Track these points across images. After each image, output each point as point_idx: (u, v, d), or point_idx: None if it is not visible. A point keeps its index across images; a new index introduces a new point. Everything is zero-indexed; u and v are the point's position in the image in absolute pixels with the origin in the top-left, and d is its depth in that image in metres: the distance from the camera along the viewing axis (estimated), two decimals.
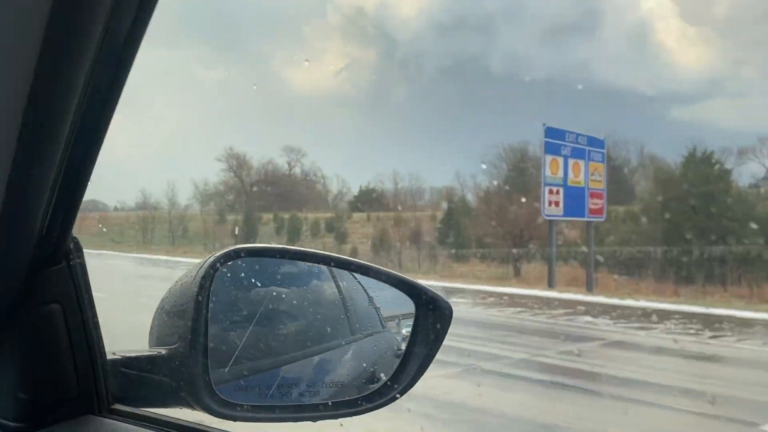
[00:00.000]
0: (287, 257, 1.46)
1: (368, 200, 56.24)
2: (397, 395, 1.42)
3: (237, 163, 58.81)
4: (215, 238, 48.67)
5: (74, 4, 0.79)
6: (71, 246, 1.17)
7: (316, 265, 1.55)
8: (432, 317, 1.46)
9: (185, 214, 55.61)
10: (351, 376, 1.51)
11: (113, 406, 1.24)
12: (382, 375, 1.50)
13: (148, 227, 53.90)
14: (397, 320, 1.58)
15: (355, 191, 59.46)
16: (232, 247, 1.36)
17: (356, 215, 53.45)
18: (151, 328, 1.37)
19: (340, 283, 1.59)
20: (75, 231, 1.14)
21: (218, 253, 1.34)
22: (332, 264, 1.52)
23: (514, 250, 37.41)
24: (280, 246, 1.43)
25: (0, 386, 1.18)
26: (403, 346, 1.54)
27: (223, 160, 57.69)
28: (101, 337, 1.24)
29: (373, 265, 1.54)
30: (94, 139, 1.00)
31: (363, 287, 1.61)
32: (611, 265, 33.22)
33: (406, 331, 1.57)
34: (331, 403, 1.40)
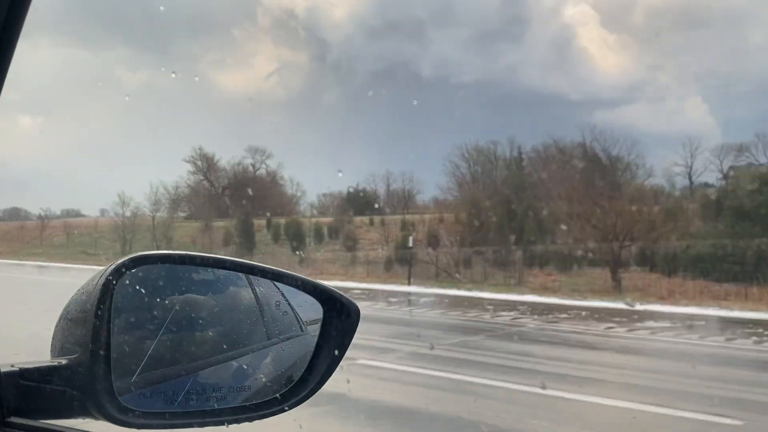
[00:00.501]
0: (194, 264, 1.46)
1: (359, 203, 52.58)
2: (304, 398, 1.43)
3: (207, 165, 55.33)
4: (209, 248, 44.58)
5: None
6: None
7: (233, 271, 1.55)
8: (340, 320, 1.48)
9: (164, 222, 51.72)
10: (264, 381, 1.52)
11: (9, 419, 1.23)
12: (295, 377, 1.52)
13: (126, 237, 49.48)
14: (318, 323, 1.60)
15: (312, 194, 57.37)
16: (136, 254, 1.36)
17: (356, 219, 49.82)
18: (53, 337, 1.36)
19: (257, 289, 1.59)
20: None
21: (121, 260, 1.33)
22: (243, 270, 1.53)
23: (610, 256, 31.78)
24: (187, 252, 1.42)
25: None
26: None
27: (192, 161, 53.89)
28: None
29: (284, 270, 1.55)
30: None
31: (281, 292, 1.62)
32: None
33: None
34: (238, 407, 1.40)
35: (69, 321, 1.33)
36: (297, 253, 45.57)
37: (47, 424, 1.29)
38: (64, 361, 1.28)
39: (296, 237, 47.21)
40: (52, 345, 1.36)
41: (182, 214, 54.59)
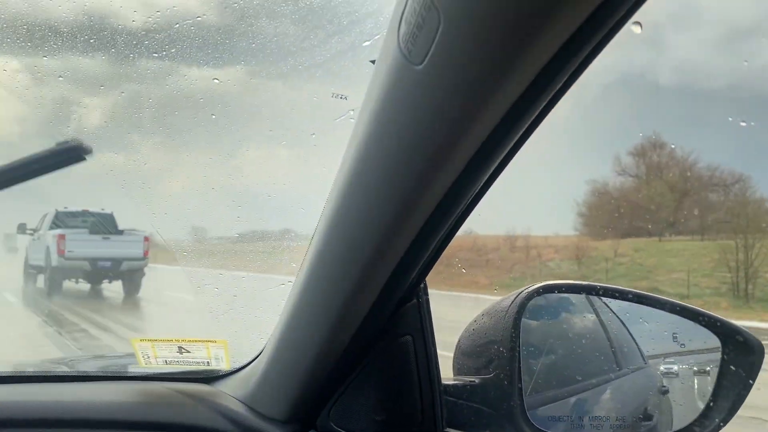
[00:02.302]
0: (593, 294, 1.50)
1: None
2: None
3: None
4: None
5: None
6: (422, 285, 1.27)
7: (582, 298, 1.58)
8: (740, 356, 1.45)
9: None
10: (627, 411, 1.54)
11: (445, 430, 1.31)
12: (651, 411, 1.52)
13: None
14: (662, 357, 1.59)
15: None
16: (543, 283, 1.42)
17: None
18: (455, 357, 1.44)
19: (603, 316, 1.61)
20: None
21: (530, 288, 1.39)
22: (649, 303, 1.54)
23: None
24: (587, 282, 1.47)
25: (359, 406, 1.30)
26: (665, 383, 1.55)
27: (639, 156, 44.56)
28: (439, 367, 1.32)
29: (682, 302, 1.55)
30: (481, 189, 1.06)
31: (622, 321, 1.63)
32: None
33: (664, 368, 1.58)
34: None
35: (475, 341, 1.41)
36: None
37: None
38: (476, 380, 1.36)
39: None
40: (453, 364, 1.45)
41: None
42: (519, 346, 1.34)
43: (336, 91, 1.07)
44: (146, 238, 14.23)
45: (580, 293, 1.50)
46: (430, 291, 1.28)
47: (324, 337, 1.21)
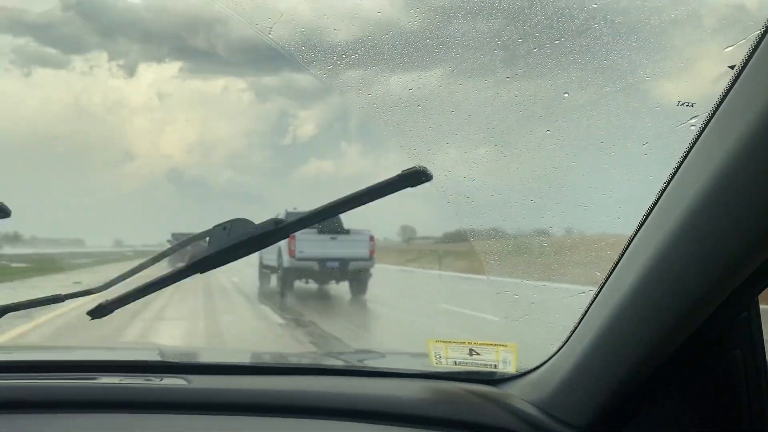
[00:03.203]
0: None
1: None
2: None
3: None
4: None
5: None
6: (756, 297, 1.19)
7: None
8: None
9: None
10: None
11: None
12: None
13: None
14: None
15: None
16: None
17: None
18: None
19: None
20: None
21: None
22: None
23: None
24: None
25: (675, 420, 1.25)
26: None
27: None
28: None
29: None
30: None
31: None
32: None
33: None
34: None
35: None
36: None
37: None
38: None
39: None
40: None
41: None
42: None
43: (681, 99, 1.03)
44: (371, 238, 14.60)
45: None
46: None
47: (647, 347, 1.17)
